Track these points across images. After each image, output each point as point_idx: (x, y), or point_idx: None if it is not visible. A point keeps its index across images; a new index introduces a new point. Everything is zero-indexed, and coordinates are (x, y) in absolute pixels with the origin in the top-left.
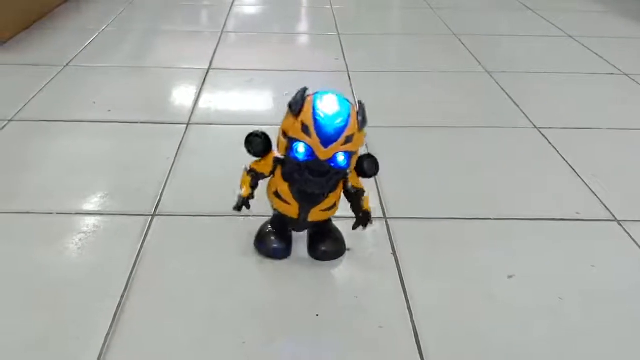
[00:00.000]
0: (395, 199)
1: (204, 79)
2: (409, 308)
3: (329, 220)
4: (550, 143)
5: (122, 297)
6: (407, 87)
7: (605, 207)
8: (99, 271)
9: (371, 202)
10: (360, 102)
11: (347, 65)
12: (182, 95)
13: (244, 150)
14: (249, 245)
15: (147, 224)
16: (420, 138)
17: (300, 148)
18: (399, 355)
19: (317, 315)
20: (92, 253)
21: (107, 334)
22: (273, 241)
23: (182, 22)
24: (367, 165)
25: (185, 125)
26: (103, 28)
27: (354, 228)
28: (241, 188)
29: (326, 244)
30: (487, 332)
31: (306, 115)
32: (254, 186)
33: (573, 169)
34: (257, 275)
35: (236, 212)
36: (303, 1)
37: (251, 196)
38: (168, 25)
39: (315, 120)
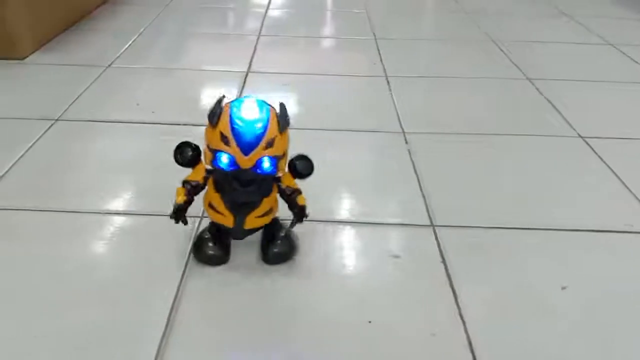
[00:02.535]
0: (441, 207)
1: (244, 82)
2: (461, 316)
3: (276, 223)
4: (595, 153)
5: (175, 298)
6: (448, 92)
7: None
8: (150, 271)
9: (418, 209)
10: (281, 104)
11: (385, 69)
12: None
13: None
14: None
15: (196, 227)
16: (464, 145)
17: (224, 158)
18: None
19: (370, 322)
20: (141, 253)
21: (163, 335)
22: (210, 247)
23: (218, 25)
24: (301, 166)
25: None
26: (141, 30)
27: (290, 227)
28: (176, 198)
29: (276, 245)
30: (540, 343)
31: (224, 125)
32: (189, 195)
33: (620, 180)
34: (308, 282)
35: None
36: (337, 6)
37: (187, 203)
38: (205, 28)
39: (233, 129)
